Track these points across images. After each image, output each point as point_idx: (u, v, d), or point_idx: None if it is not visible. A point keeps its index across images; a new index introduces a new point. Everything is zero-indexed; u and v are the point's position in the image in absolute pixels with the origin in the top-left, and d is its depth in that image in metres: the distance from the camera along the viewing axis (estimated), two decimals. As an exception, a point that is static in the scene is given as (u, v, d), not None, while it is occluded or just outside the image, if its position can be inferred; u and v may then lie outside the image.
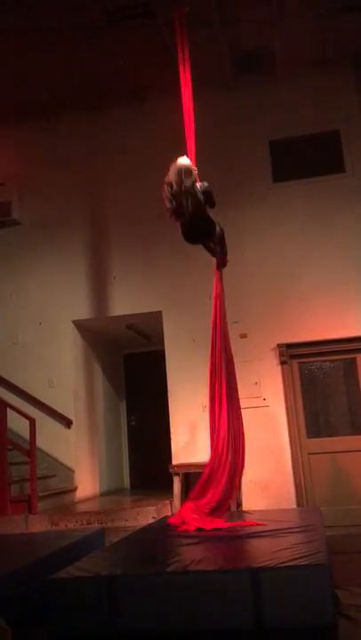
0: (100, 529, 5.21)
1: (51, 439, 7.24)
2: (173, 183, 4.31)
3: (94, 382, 8.53)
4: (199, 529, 4.50)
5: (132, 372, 9.59)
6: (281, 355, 7.04)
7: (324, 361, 7.18)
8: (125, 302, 7.69)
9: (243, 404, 5.35)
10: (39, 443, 6.63)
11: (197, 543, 3.99)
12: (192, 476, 6.86)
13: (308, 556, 3.25)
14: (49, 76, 7.36)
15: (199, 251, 5.18)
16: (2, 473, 6.27)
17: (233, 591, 3.04)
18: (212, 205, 4.59)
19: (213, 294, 5.23)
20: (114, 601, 3.09)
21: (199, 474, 5.11)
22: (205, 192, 4.47)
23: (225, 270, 5.30)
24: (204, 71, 5.63)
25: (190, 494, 5.09)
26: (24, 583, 3.54)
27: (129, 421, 9.45)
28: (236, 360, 5.33)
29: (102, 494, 8.07)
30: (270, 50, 7.13)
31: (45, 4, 6.11)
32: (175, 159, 4.42)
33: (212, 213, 4.68)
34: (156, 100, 7.57)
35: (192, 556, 3.54)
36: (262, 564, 3.17)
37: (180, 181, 4.31)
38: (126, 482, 9.22)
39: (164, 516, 5.93)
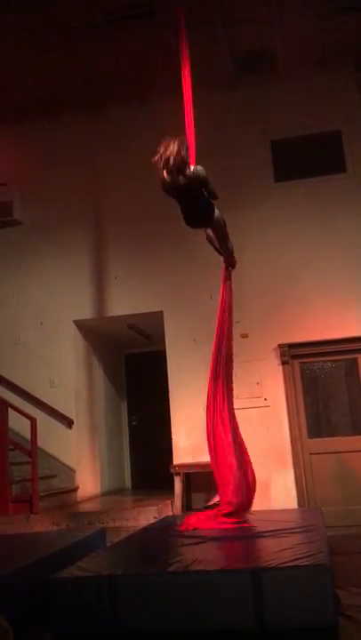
0: (101, 529, 5.21)
1: (52, 439, 7.26)
2: (176, 154, 4.29)
3: (95, 382, 8.53)
4: (196, 529, 4.49)
5: (134, 372, 9.59)
6: (282, 355, 7.04)
7: (325, 361, 7.17)
8: (126, 302, 7.69)
9: (244, 404, 5.37)
10: (40, 443, 6.65)
11: (198, 543, 3.99)
12: (193, 476, 6.88)
13: (309, 556, 3.26)
14: (49, 76, 7.36)
15: (200, 250, 5.18)
16: (3, 473, 6.28)
17: (234, 591, 3.04)
18: (211, 193, 4.54)
19: (220, 296, 5.18)
20: (115, 601, 3.10)
21: (200, 474, 5.10)
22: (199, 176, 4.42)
23: (226, 270, 5.29)
24: (204, 71, 5.62)
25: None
26: (25, 583, 3.54)
27: (130, 421, 9.45)
28: (237, 360, 5.33)
29: (103, 494, 8.07)
30: (271, 50, 7.13)
31: (45, 4, 6.11)
32: (167, 138, 4.40)
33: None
34: (156, 100, 7.56)
35: (193, 555, 3.54)
36: (263, 565, 3.18)
37: (184, 154, 4.31)
38: (127, 482, 9.22)
39: (165, 515, 5.94)
